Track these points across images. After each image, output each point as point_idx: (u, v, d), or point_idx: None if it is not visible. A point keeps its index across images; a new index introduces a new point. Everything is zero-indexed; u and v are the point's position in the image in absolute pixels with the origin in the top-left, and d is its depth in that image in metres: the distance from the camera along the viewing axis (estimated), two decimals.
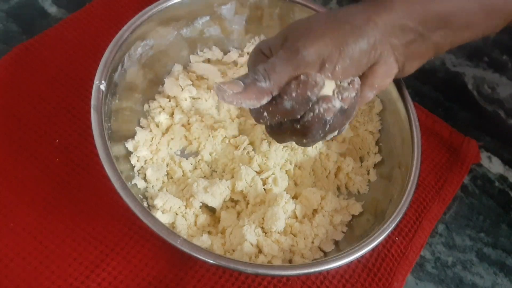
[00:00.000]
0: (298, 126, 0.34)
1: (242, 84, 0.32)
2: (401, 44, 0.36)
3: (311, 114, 0.33)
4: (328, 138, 0.37)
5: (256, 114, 0.35)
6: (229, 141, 0.47)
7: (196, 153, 0.47)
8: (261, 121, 0.35)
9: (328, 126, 0.34)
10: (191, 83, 0.49)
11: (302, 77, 0.32)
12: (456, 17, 0.36)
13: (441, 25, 0.36)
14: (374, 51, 0.34)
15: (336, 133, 0.36)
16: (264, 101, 0.33)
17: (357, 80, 0.35)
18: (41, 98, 0.47)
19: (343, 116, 0.34)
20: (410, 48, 0.36)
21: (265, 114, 0.34)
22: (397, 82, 0.45)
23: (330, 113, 0.33)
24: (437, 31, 0.36)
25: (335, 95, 0.34)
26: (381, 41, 0.34)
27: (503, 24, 0.38)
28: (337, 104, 0.33)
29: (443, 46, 0.38)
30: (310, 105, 0.33)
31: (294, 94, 0.32)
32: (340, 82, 0.35)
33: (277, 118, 0.34)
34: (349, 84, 0.34)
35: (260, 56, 0.36)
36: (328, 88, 0.34)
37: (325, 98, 0.33)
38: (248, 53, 0.53)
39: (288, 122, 0.35)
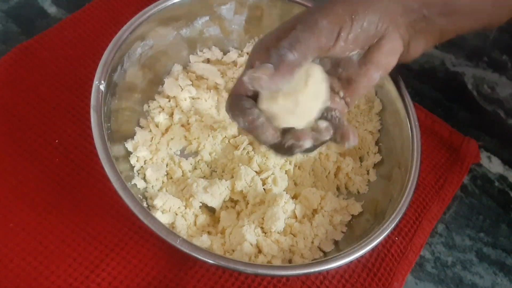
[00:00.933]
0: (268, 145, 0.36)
1: (271, 66, 0.32)
2: (404, 22, 0.36)
3: (286, 143, 0.34)
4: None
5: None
6: (228, 141, 0.47)
7: (195, 153, 0.47)
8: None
9: (297, 153, 0.35)
10: (191, 83, 0.49)
11: (259, 120, 0.34)
12: (461, 3, 0.36)
13: (446, 10, 0.36)
14: (381, 23, 0.35)
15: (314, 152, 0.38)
16: (296, 74, 0.33)
17: (330, 129, 0.35)
18: (40, 98, 0.47)
19: (313, 147, 0.36)
20: (414, 27, 0.36)
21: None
22: (396, 81, 0.45)
23: (297, 149, 0.34)
24: (442, 16, 0.36)
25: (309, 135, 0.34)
26: (386, 15, 0.35)
27: (508, 14, 0.38)
28: (307, 144, 0.34)
29: (448, 31, 0.38)
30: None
31: (246, 124, 0.34)
32: (350, 54, 0.35)
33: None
34: (325, 128, 0.35)
35: (264, 52, 0.35)
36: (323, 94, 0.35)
37: (299, 135, 0.34)
38: (247, 53, 0.53)
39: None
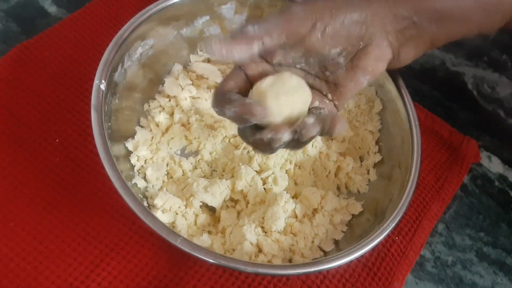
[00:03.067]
0: (250, 140, 0.35)
1: (229, 36, 0.32)
2: (394, 29, 0.36)
3: (258, 136, 0.34)
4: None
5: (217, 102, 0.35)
6: (229, 141, 0.47)
7: (196, 153, 0.47)
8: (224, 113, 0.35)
9: (277, 149, 0.35)
10: (191, 82, 0.49)
11: (247, 100, 0.33)
12: (452, 11, 0.36)
13: (436, 17, 0.36)
14: (366, 27, 0.35)
15: (298, 148, 0.37)
16: (255, 47, 0.33)
17: (316, 123, 0.34)
18: (40, 98, 0.47)
19: (298, 144, 0.35)
20: (404, 35, 0.36)
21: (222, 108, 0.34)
22: (396, 81, 0.45)
23: (276, 143, 0.33)
24: (432, 23, 0.36)
25: (291, 129, 0.33)
26: (374, 20, 0.35)
27: (501, 21, 0.38)
28: (285, 138, 0.33)
29: (439, 38, 0.38)
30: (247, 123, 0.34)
31: (233, 110, 0.33)
32: (331, 51, 0.35)
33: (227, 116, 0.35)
34: (312, 122, 0.34)
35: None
36: (303, 97, 0.34)
37: (276, 128, 0.33)
38: None
39: (248, 132, 0.35)
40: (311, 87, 0.37)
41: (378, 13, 0.35)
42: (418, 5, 0.35)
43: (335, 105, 0.38)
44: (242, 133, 0.36)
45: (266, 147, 0.34)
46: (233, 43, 0.32)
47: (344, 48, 0.35)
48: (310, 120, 0.34)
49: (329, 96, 0.38)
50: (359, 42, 0.35)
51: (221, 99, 0.34)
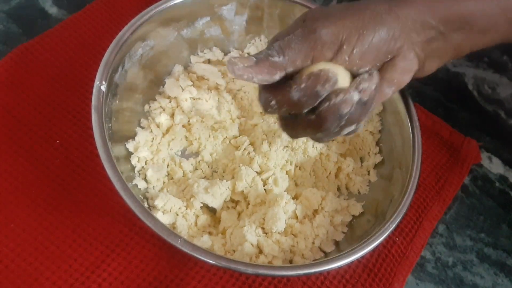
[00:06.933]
0: (313, 116, 0.33)
1: (254, 59, 0.32)
2: (421, 40, 0.35)
3: (327, 104, 0.32)
4: (344, 133, 0.35)
5: (265, 101, 0.34)
6: (229, 142, 0.47)
7: (196, 154, 0.47)
8: (268, 110, 0.34)
9: (344, 119, 0.33)
10: (192, 83, 0.49)
11: (314, 71, 0.32)
12: (477, 19, 0.35)
13: (462, 26, 0.35)
14: (394, 41, 0.34)
15: (353, 127, 0.35)
16: (277, 76, 0.32)
17: (376, 74, 0.34)
18: (41, 99, 0.47)
19: (361, 110, 0.33)
20: (431, 45, 0.36)
21: (273, 102, 0.33)
22: None
23: (347, 106, 0.32)
24: (458, 32, 0.36)
25: (353, 86, 0.32)
26: (401, 33, 0.34)
27: None
28: (355, 97, 0.32)
29: (464, 48, 0.37)
30: (318, 100, 0.32)
31: (303, 85, 0.32)
32: (359, 71, 0.34)
33: (283, 109, 0.33)
34: (368, 74, 0.33)
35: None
36: (344, 81, 0.33)
37: (343, 90, 0.32)
38: (248, 54, 0.53)
39: (304, 113, 0.34)
40: None
41: (406, 25, 0.34)
42: (444, 13, 0.35)
43: None
44: (292, 120, 0.35)
45: (333, 120, 0.32)
46: (256, 70, 0.31)
47: (372, 66, 0.34)
48: (365, 75, 0.33)
49: None
50: (386, 56, 0.35)
51: (277, 86, 0.33)
